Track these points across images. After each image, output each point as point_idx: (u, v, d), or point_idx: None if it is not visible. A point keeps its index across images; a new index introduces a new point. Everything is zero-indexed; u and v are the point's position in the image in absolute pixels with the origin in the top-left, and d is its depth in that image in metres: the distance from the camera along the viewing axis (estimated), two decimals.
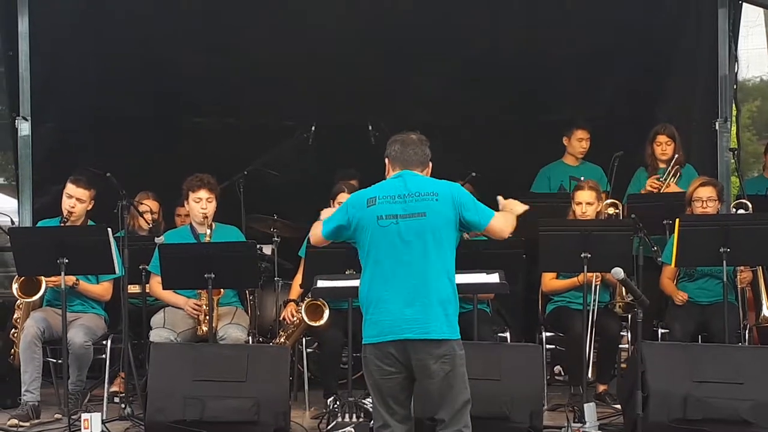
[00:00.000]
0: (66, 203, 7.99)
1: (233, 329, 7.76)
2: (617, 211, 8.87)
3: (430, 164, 5.90)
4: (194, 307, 7.83)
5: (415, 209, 5.67)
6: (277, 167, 10.07)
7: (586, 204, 8.21)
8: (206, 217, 7.92)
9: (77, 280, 7.88)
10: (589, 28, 9.86)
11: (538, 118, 10.17)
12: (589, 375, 8.15)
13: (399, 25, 9.76)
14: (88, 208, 8.05)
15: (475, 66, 9.98)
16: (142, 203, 8.66)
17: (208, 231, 7.90)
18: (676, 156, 9.10)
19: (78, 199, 7.97)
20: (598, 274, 8.01)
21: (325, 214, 6.05)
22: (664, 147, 9.15)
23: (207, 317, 7.70)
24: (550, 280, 8.34)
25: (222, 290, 7.82)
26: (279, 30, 9.79)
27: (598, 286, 8.06)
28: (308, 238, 7.79)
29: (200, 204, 7.95)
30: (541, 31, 9.86)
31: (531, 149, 10.04)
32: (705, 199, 8.18)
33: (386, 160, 5.91)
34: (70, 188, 8.01)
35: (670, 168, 9.09)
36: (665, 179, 9.10)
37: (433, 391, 5.62)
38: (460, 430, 5.63)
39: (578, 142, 9.51)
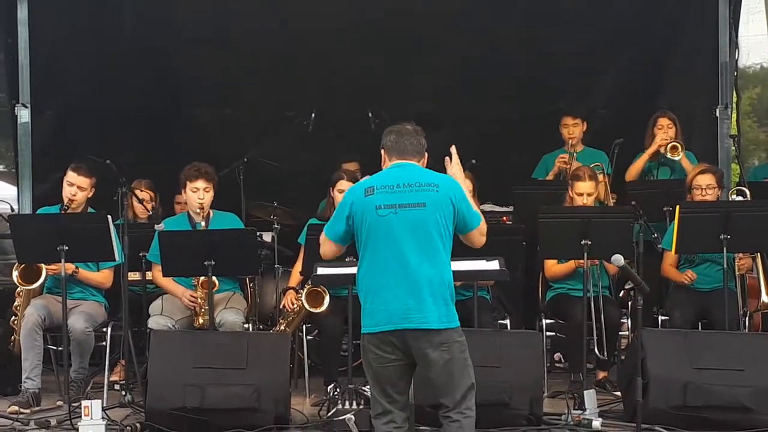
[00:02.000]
0: (67, 191, 7.97)
1: (228, 314, 7.76)
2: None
3: (426, 155, 5.89)
4: (190, 299, 7.83)
5: (415, 199, 5.64)
6: (276, 157, 10.08)
7: (587, 195, 8.20)
8: (202, 207, 7.90)
9: (77, 268, 7.87)
10: (590, 15, 9.87)
11: (539, 109, 10.13)
12: (597, 350, 8.11)
13: (400, 17, 9.75)
14: (89, 196, 8.04)
15: (476, 59, 10.00)
16: (138, 191, 8.66)
17: (203, 222, 7.88)
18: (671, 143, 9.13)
19: (79, 187, 7.96)
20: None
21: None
22: (665, 130, 9.16)
23: (202, 310, 7.72)
24: (551, 266, 8.34)
25: (217, 284, 7.76)
26: (278, 21, 9.79)
27: (598, 270, 8.07)
28: (308, 225, 7.85)
29: (197, 194, 7.93)
30: (542, 16, 9.85)
31: (532, 141, 10.03)
32: (704, 186, 8.18)
33: (382, 151, 5.89)
34: (71, 176, 7.99)
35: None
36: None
37: (435, 378, 5.62)
38: (462, 411, 5.64)
39: (564, 128, 9.52)
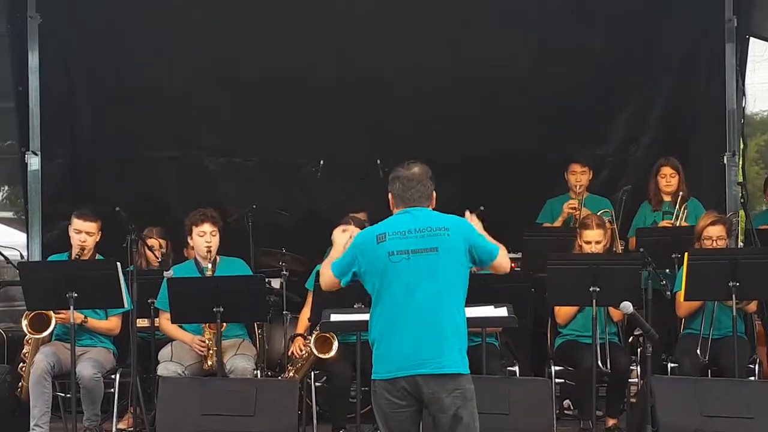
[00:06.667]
0: (76, 239, 7.98)
1: (239, 360, 7.76)
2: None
3: (434, 194, 5.88)
4: (200, 344, 7.83)
5: (427, 244, 5.64)
6: (285, 204, 10.13)
7: (596, 243, 8.18)
8: (210, 251, 7.92)
9: (85, 317, 7.86)
10: (599, 64, 9.94)
11: (548, 155, 10.14)
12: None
13: (407, 61, 9.81)
14: (97, 240, 8.05)
15: (484, 103, 10.03)
16: (149, 238, 8.68)
17: (210, 266, 7.89)
18: (681, 193, 9.13)
19: (87, 233, 7.97)
20: None
21: (334, 252, 6.02)
22: (668, 179, 9.18)
23: (210, 351, 7.72)
24: (560, 309, 8.30)
25: (224, 324, 7.78)
26: (288, 69, 9.84)
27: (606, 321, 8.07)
28: (316, 271, 7.83)
29: (204, 238, 7.94)
30: (550, 72, 9.92)
31: (541, 186, 10.03)
32: (715, 237, 8.16)
33: (389, 195, 5.91)
34: (78, 223, 8.00)
35: (678, 207, 9.12)
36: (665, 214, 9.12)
37: (443, 425, 5.59)
38: None
39: (572, 176, 9.51)
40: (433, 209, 5.85)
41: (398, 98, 9.95)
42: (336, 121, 10.10)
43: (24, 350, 8.01)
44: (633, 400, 8.31)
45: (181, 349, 7.89)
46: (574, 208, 9.32)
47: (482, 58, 9.85)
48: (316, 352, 7.90)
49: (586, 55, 9.94)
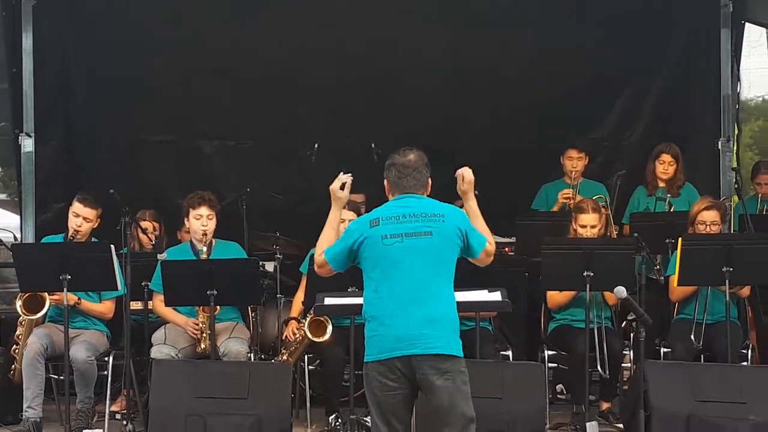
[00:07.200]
0: (72, 222, 7.96)
1: (233, 343, 7.76)
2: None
3: (430, 182, 5.90)
4: (193, 327, 7.83)
5: (422, 228, 5.67)
6: (279, 188, 10.11)
7: (591, 227, 8.18)
8: (206, 234, 7.91)
9: (79, 299, 7.86)
10: (595, 50, 9.92)
11: (546, 142, 10.10)
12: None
13: (404, 48, 9.79)
14: (94, 227, 8.04)
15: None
16: (143, 221, 8.67)
17: (205, 248, 7.89)
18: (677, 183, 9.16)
19: (85, 219, 7.95)
20: None
21: (321, 243, 5.99)
22: (666, 166, 9.18)
23: (204, 335, 7.73)
24: (553, 294, 8.29)
25: (218, 308, 7.77)
26: (283, 54, 9.82)
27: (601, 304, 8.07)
28: (310, 255, 7.82)
29: (201, 221, 7.94)
30: (548, 55, 9.90)
31: (538, 172, 10.02)
32: (709, 222, 8.17)
33: (385, 182, 5.91)
34: (78, 207, 7.98)
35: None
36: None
37: (436, 407, 5.61)
38: None
39: (569, 161, 9.49)
40: (428, 196, 5.88)
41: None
42: (330, 105, 10.06)
43: (17, 332, 8.01)
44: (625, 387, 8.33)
45: (174, 331, 7.89)
46: (569, 198, 9.30)
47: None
48: (309, 335, 7.90)
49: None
